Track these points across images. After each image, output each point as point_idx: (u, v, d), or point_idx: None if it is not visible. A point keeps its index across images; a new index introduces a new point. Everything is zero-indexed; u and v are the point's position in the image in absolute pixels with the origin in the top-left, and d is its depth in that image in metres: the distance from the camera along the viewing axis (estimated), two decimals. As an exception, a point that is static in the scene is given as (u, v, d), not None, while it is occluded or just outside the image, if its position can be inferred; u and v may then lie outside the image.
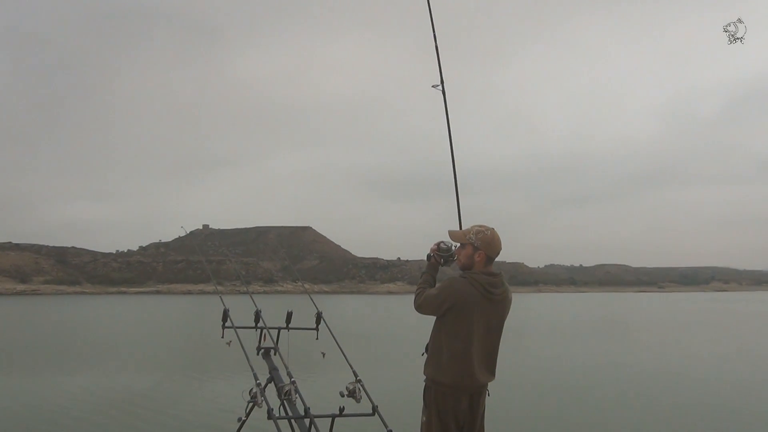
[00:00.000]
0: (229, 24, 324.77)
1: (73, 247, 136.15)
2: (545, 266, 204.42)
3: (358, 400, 4.02)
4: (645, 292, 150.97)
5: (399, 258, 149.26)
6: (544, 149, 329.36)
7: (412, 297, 3.69)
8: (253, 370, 4.04)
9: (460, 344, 3.47)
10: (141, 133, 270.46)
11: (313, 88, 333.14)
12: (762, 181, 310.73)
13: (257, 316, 4.61)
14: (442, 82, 4.48)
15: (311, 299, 5.16)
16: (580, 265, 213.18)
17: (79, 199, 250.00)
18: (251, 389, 3.90)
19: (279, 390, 4.06)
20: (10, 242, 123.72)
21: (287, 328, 4.70)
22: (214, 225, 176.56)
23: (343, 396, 4.01)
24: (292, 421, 3.95)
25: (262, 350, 4.56)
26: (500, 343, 3.64)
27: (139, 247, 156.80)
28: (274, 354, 4.53)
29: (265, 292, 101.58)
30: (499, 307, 3.58)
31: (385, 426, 3.86)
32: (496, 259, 3.65)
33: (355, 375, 4.18)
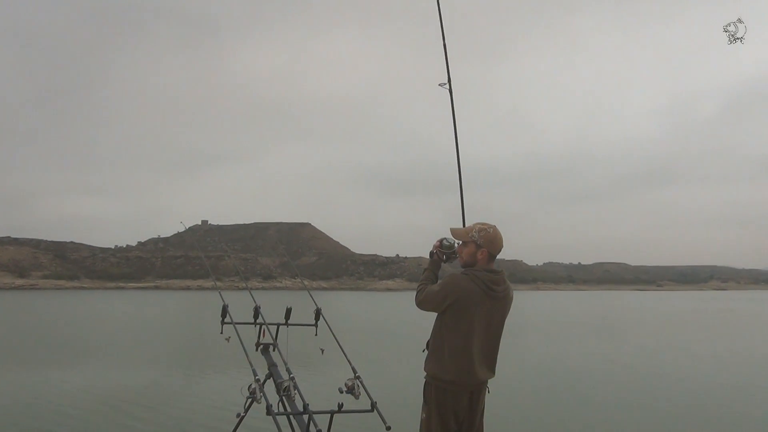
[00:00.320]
0: (229, 18, 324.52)
1: (71, 242, 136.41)
2: (544, 264, 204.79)
3: (357, 397, 4.02)
4: (643, 291, 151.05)
5: (398, 255, 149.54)
6: (543, 147, 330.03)
7: (411, 294, 3.70)
8: (252, 366, 4.04)
9: (461, 341, 3.47)
10: (141, 128, 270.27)
11: (312, 84, 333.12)
12: (761, 180, 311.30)
13: (256, 312, 4.61)
14: (449, 81, 4.44)
15: (310, 295, 5.15)
16: (579, 263, 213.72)
17: (78, 194, 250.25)
18: (250, 385, 3.91)
19: (278, 386, 4.06)
20: (8, 237, 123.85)
21: (286, 324, 4.70)
22: (213, 221, 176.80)
23: (342, 392, 4.00)
24: (291, 417, 3.95)
25: (261, 346, 4.56)
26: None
27: (138, 242, 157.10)
28: (273, 350, 4.53)
29: (264, 288, 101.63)
30: (501, 305, 3.59)
31: (384, 422, 3.86)
32: (496, 258, 3.66)
33: (354, 371, 4.18)
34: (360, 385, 4.06)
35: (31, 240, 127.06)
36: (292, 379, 4.05)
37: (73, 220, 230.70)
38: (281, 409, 3.94)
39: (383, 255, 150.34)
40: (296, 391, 4.02)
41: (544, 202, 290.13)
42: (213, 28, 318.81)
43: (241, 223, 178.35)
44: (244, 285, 6.10)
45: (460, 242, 3.70)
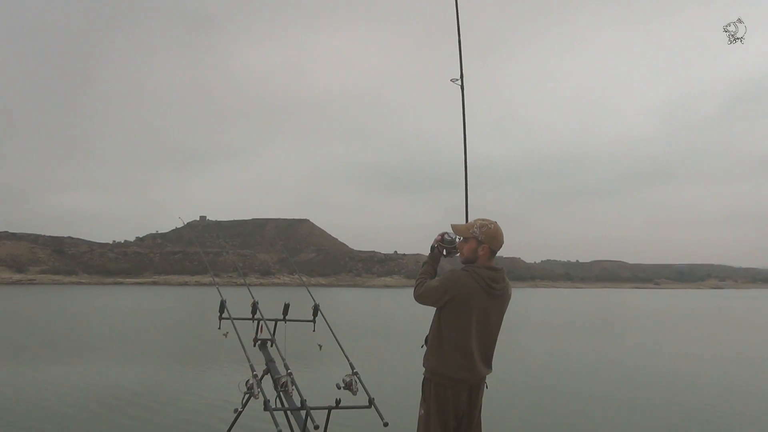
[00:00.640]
0: (228, 14, 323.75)
1: (69, 237, 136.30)
2: (542, 261, 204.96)
3: (354, 393, 4.02)
4: (641, 289, 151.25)
5: (396, 252, 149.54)
6: (542, 145, 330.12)
7: (409, 291, 3.70)
8: (249, 361, 4.04)
9: (460, 337, 3.47)
10: (139, 123, 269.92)
11: (311, 81, 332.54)
12: (759, 179, 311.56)
13: (254, 308, 4.60)
14: (462, 76, 4.41)
15: (308, 291, 5.16)
16: (577, 260, 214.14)
17: (76, 189, 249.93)
18: (248, 380, 3.91)
19: (275, 381, 4.06)
20: (6, 231, 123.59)
21: (284, 320, 4.70)
22: (212, 216, 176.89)
23: (339, 388, 4.01)
24: (289, 412, 3.95)
25: (259, 342, 4.57)
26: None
27: (136, 237, 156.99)
28: (271, 346, 4.53)
29: (262, 284, 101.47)
30: (499, 302, 3.59)
31: (381, 418, 3.86)
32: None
33: (352, 367, 4.19)
34: (358, 381, 4.06)
35: (29, 235, 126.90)
36: (290, 374, 4.05)
37: (71, 215, 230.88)
38: (279, 405, 3.94)
39: (382, 252, 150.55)
40: (294, 387, 4.02)
41: (543, 200, 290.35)
42: (211, 23, 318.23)
43: (240, 219, 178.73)
44: (242, 281, 6.10)
45: (461, 238, 3.70)
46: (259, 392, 3.82)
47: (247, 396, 3.91)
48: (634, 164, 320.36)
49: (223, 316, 4.49)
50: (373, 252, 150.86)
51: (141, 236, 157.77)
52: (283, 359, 4.21)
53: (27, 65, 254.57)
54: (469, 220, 3.88)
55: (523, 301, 58.90)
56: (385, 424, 3.84)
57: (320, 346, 4.77)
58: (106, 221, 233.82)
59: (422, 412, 3.54)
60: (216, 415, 10.00)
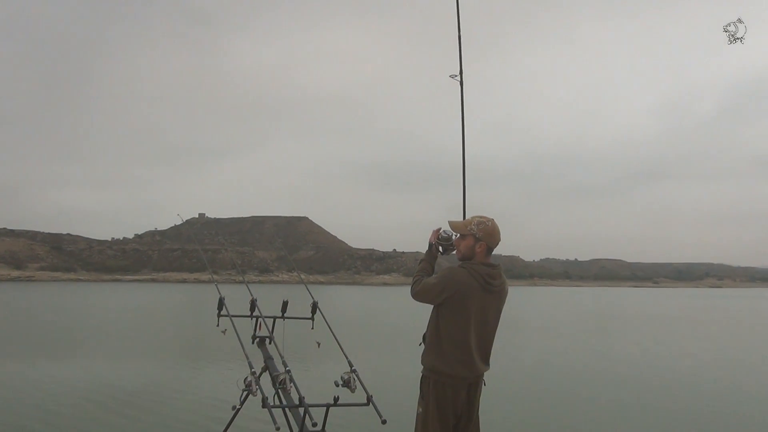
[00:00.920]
0: (225, 11, 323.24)
1: (68, 234, 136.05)
2: (541, 260, 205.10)
3: (352, 390, 4.02)
4: (639, 287, 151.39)
5: (395, 250, 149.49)
6: (540, 144, 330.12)
7: (408, 289, 3.69)
8: (248, 358, 4.04)
9: (458, 334, 3.48)
10: (138, 120, 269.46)
11: (310, 78, 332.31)
12: (757, 178, 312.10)
13: (253, 305, 4.60)
14: (461, 72, 4.40)
15: (307, 289, 5.16)
16: (576, 259, 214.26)
17: (74, 186, 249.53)
18: (246, 378, 3.90)
19: (274, 379, 4.06)
20: (5, 228, 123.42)
21: (283, 317, 4.70)
22: (211, 214, 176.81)
23: (337, 386, 4.01)
24: (287, 410, 3.95)
25: (258, 339, 4.56)
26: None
27: (135, 234, 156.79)
28: (270, 343, 4.53)
29: (260, 282, 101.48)
30: (497, 299, 3.59)
31: (380, 416, 3.86)
32: (493, 252, 3.66)
33: (350, 365, 4.19)
34: (356, 378, 4.06)
35: (28, 232, 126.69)
36: (288, 372, 4.04)
37: (69, 212, 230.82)
38: (277, 402, 3.93)
39: (380, 250, 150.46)
40: (292, 384, 4.02)
41: (542, 198, 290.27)
42: (209, 20, 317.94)
43: (239, 216, 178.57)
44: (240, 278, 6.10)
45: (458, 235, 3.70)
46: (257, 389, 3.82)
47: (245, 393, 3.90)
48: (634, 163, 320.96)
49: (222, 313, 4.49)
50: (372, 250, 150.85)
51: (140, 233, 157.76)
52: (282, 356, 4.21)
53: (24, 62, 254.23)
54: (467, 218, 3.88)
55: (521, 299, 58.98)
56: (384, 422, 3.84)
57: (319, 344, 4.76)
58: (104, 218, 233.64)
59: (420, 409, 3.54)
60: (214, 411, 10.02)
